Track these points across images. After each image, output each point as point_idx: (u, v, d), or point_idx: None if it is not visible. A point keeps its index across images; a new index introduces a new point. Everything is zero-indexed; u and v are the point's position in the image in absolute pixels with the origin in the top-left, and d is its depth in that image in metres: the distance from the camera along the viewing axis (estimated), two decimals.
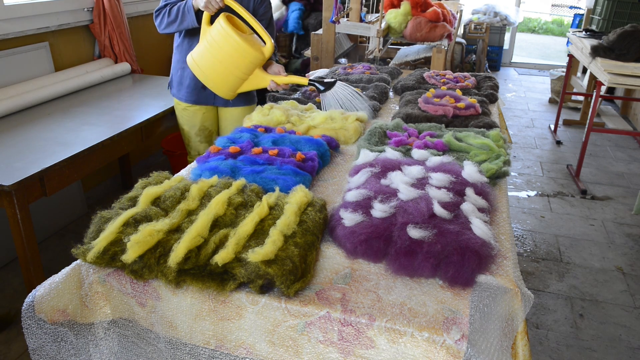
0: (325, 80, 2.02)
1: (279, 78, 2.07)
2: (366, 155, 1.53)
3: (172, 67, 2.44)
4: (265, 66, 2.15)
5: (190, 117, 2.49)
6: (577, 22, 6.29)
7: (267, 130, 1.81)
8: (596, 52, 3.64)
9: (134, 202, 1.29)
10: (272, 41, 2.00)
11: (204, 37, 1.99)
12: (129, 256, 1.07)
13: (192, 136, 2.54)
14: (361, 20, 3.77)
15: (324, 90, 2.01)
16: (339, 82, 2.01)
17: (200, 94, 2.41)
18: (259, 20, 2.27)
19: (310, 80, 2.04)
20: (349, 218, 1.21)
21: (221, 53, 1.94)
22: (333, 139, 1.76)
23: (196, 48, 2.05)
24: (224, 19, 1.93)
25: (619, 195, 3.65)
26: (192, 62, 2.04)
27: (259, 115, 1.97)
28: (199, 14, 2.09)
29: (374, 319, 0.99)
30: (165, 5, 2.19)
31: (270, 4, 2.42)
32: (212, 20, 2.01)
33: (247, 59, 1.96)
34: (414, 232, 1.14)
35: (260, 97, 2.65)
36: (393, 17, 3.36)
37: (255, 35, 2.07)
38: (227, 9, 2.03)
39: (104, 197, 3.43)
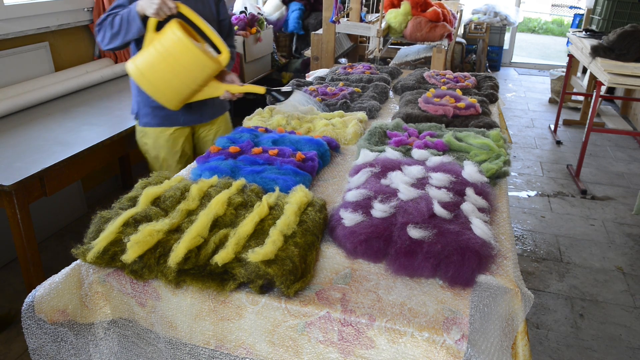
0: (283, 90, 1.96)
1: (233, 87, 1.94)
2: (366, 155, 1.53)
3: (134, 94, 2.15)
4: (218, 74, 2.00)
5: (169, 143, 2.19)
6: (577, 22, 6.29)
7: (268, 130, 1.81)
8: (596, 52, 3.64)
9: (134, 202, 1.29)
10: (228, 49, 1.88)
11: (150, 45, 1.79)
12: (129, 256, 1.07)
13: (172, 164, 2.24)
14: (361, 20, 3.77)
15: (283, 100, 1.97)
16: (297, 91, 1.97)
17: (184, 113, 2.17)
18: (220, 25, 2.20)
19: (268, 89, 1.95)
20: (349, 218, 1.21)
21: (176, 65, 1.77)
22: (333, 139, 1.76)
23: (140, 56, 1.83)
24: (178, 27, 1.75)
25: (619, 195, 3.65)
26: (137, 71, 1.82)
27: (259, 119, 1.97)
28: (145, 20, 1.84)
29: (374, 319, 0.99)
30: (107, 17, 1.92)
31: (225, 2, 2.26)
32: (159, 26, 1.81)
33: (205, 71, 1.82)
34: (414, 232, 1.14)
35: (261, 98, 2.63)
36: (393, 17, 3.36)
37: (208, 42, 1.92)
38: (178, 15, 1.84)
39: (104, 197, 3.43)
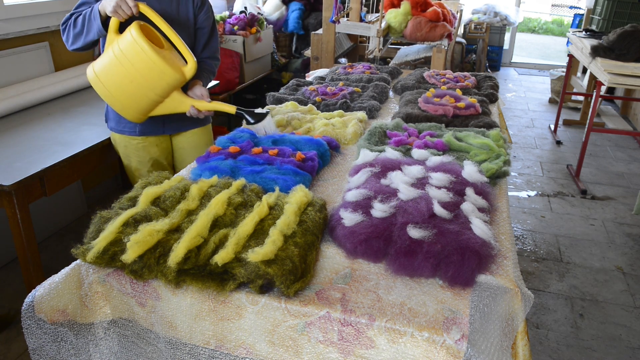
0: (256, 112, 1.79)
1: (200, 103, 1.79)
2: (366, 155, 1.53)
3: None
4: (187, 87, 1.88)
5: (138, 152, 2.08)
6: (577, 22, 6.29)
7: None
8: (596, 52, 3.64)
9: (133, 202, 1.29)
10: (195, 59, 1.73)
11: (109, 48, 1.67)
12: (129, 256, 1.07)
13: (144, 174, 2.12)
14: (361, 20, 3.77)
15: (253, 123, 1.78)
16: (269, 116, 1.80)
17: (146, 123, 2.00)
18: (199, 30, 2.02)
19: (238, 109, 1.79)
20: (349, 218, 1.21)
21: (132, 70, 1.63)
22: (333, 139, 1.76)
23: (99, 59, 1.71)
24: (136, 29, 1.62)
25: (619, 195, 3.65)
26: (94, 76, 1.70)
27: None
28: (108, 21, 1.72)
29: (374, 319, 0.99)
30: (71, 16, 1.81)
31: (211, 10, 2.07)
32: (122, 28, 1.68)
33: (164, 80, 1.67)
34: (414, 232, 1.14)
35: (261, 98, 2.61)
36: (393, 16, 3.36)
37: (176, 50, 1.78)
38: (142, 17, 1.70)
39: (104, 197, 3.43)
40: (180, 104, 1.78)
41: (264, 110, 1.81)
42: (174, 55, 1.73)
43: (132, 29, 1.62)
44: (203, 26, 2.03)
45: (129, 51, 1.61)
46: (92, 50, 2.83)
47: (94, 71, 1.70)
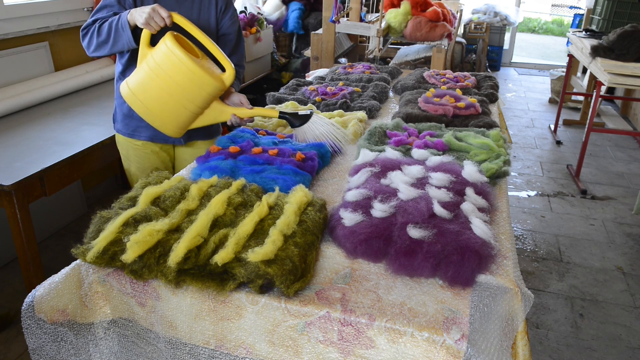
0: (300, 113, 1.69)
1: (241, 111, 1.71)
2: (366, 155, 1.53)
3: (116, 98, 1.98)
4: (224, 96, 1.81)
5: (139, 158, 2.02)
6: (577, 22, 6.29)
7: (268, 133, 1.81)
8: (596, 52, 3.64)
9: (133, 202, 1.29)
10: (233, 66, 1.64)
11: (143, 61, 1.60)
12: (129, 256, 1.07)
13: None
14: (361, 20, 3.77)
15: (299, 125, 1.68)
16: (315, 115, 1.70)
17: (155, 129, 1.87)
18: (223, 37, 1.95)
19: (281, 113, 1.70)
20: (349, 218, 1.21)
21: (170, 83, 1.56)
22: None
23: (133, 75, 1.64)
24: (171, 39, 1.54)
25: (619, 195, 3.65)
26: (129, 93, 1.63)
27: (259, 119, 1.96)
28: (137, 31, 1.65)
29: (374, 319, 0.99)
30: (94, 22, 1.73)
31: (236, 13, 1.98)
32: (154, 40, 1.61)
33: (205, 90, 1.60)
34: (414, 232, 1.14)
35: (261, 98, 2.59)
36: (393, 16, 3.36)
37: (211, 58, 1.71)
38: (174, 27, 1.62)
39: (104, 197, 3.43)
40: (220, 113, 1.71)
41: (307, 111, 1.69)
42: (210, 64, 1.67)
43: (167, 40, 1.54)
44: (228, 32, 1.94)
45: (166, 63, 1.54)
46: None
47: (129, 88, 1.63)
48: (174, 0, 1.82)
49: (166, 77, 1.55)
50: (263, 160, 1.52)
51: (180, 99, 1.59)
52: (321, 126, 1.69)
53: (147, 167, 2.03)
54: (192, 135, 2.00)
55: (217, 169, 1.46)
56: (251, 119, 1.78)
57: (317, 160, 1.57)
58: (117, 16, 1.68)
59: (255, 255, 1.03)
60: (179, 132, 1.73)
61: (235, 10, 1.98)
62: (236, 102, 1.79)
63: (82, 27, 1.76)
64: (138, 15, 1.59)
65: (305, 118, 1.68)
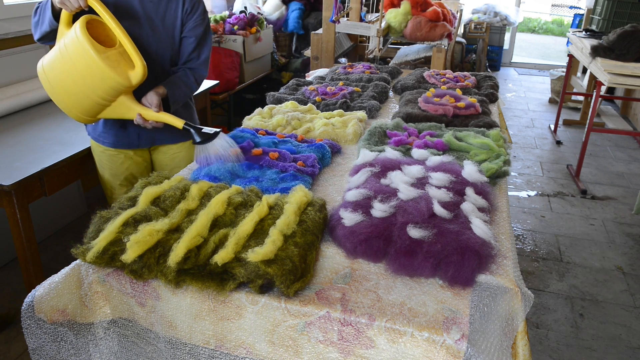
0: (204, 130, 1.57)
1: (147, 112, 1.65)
2: (366, 155, 1.53)
3: None
4: (143, 93, 1.72)
5: (112, 163, 1.95)
6: (577, 22, 6.29)
7: (268, 133, 1.80)
8: (596, 52, 3.64)
9: (133, 202, 1.28)
10: (144, 65, 1.58)
11: (57, 42, 1.58)
12: (129, 256, 1.07)
13: (115, 187, 2.00)
14: (361, 20, 3.77)
15: (200, 142, 1.56)
16: (221, 135, 1.58)
17: (121, 134, 1.88)
18: (184, 39, 1.86)
19: (186, 124, 1.60)
20: (349, 218, 1.21)
21: (72, 68, 1.53)
22: (335, 143, 1.76)
23: (48, 53, 1.62)
24: (81, 24, 1.50)
25: (619, 195, 3.65)
26: (42, 69, 1.61)
27: (259, 119, 1.96)
28: (59, 13, 1.62)
29: (374, 319, 0.99)
30: (39, 5, 1.72)
31: (205, 18, 1.89)
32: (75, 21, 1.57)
33: (105, 83, 1.55)
34: (414, 232, 1.14)
35: (261, 98, 2.58)
36: (393, 16, 3.36)
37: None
38: (92, 11, 1.58)
39: (103, 197, 3.42)
40: (127, 110, 1.65)
41: (211, 130, 1.58)
42: (124, 58, 1.59)
43: (77, 25, 1.51)
44: (189, 35, 1.86)
45: (71, 48, 1.52)
46: None
47: (42, 65, 1.61)
48: None
49: (70, 62, 1.53)
50: (264, 165, 1.52)
51: (82, 86, 1.56)
52: (222, 146, 1.55)
53: (121, 174, 1.97)
54: (156, 139, 1.95)
55: (216, 180, 1.44)
56: (158, 124, 1.69)
57: (317, 166, 1.56)
58: None
59: (255, 255, 1.03)
60: (85, 119, 1.69)
61: (205, 13, 1.90)
62: (148, 102, 1.69)
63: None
64: None
65: (210, 136, 1.56)
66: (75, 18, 1.58)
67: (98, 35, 1.56)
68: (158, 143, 1.97)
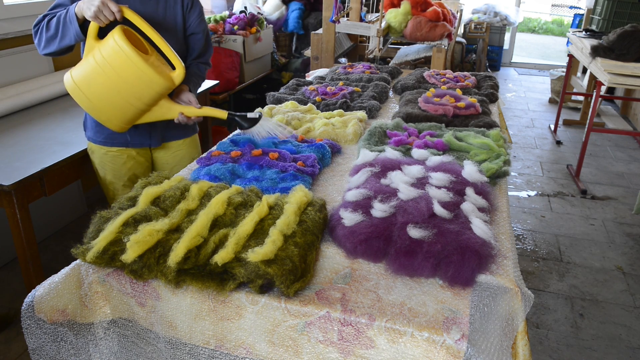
0: (249, 116, 1.68)
1: (189, 110, 1.70)
2: (366, 155, 1.53)
3: None
4: (174, 93, 1.78)
5: (115, 165, 1.95)
6: (577, 22, 6.29)
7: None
8: (596, 52, 3.64)
9: (133, 202, 1.28)
10: (183, 65, 1.63)
11: (90, 54, 1.57)
12: (129, 256, 1.07)
13: (118, 189, 1.99)
14: (361, 20, 3.77)
15: (248, 127, 1.68)
16: (264, 118, 1.72)
17: (132, 133, 1.89)
18: (192, 36, 1.91)
19: (230, 114, 1.69)
20: (349, 218, 1.21)
21: (117, 79, 1.53)
22: (335, 143, 1.76)
23: (78, 66, 1.60)
24: (119, 34, 1.51)
25: (619, 195, 3.65)
26: (73, 85, 1.58)
27: None
28: (85, 25, 1.60)
29: (374, 319, 0.99)
30: (44, 18, 1.67)
31: (202, 12, 1.92)
32: (103, 33, 1.57)
33: (152, 89, 1.57)
34: (414, 232, 1.14)
35: (261, 98, 2.58)
36: (393, 16, 3.36)
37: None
38: (125, 21, 1.59)
39: (103, 197, 3.42)
40: (168, 111, 1.69)
41: (256, 114, 1.70)
42: (160, 61, 1.64)
43: (115, 35, 1.51)
44: (196, 31, 1.90)
45: (113, 59, 1.51)
46: None
47: (73, 80, 1.58)
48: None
49: (113, 73, 1.52)
50: (264, 166, 1.52)
51: (126, 95, 1.56)
52: (269, 127, 1.70)
53: (124, 174, 1.96)
54: (166, 137, 1.98)
55: (217, 179, 1.44)
56: (199, 119, 1.76)
57: (317, 166, 1.56)
58: (66, 9, 1.62)
59: (255, 255, 1.03)
60: (124, 128, 1.71)
61: (202, 8, 1.93)
62: (185, 101, 1.75)
63: (34, 24, 1.69)
64: (86, 8, 1.53)
65: (254, 121, 1.68)
66: (101, 30, 1.57)
67: (132, 44, 1.55)
68: (167, 140, 1.99)
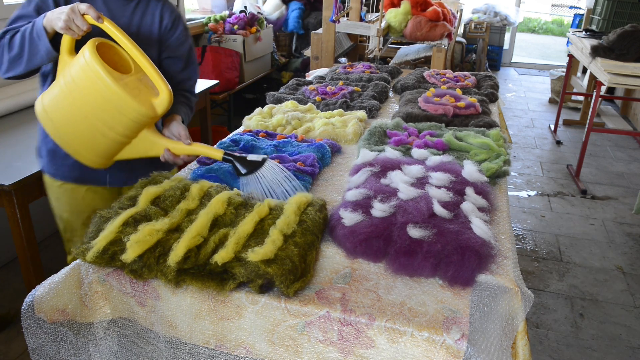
0: (250, 159, 1.35)
1: (177, 146, 1.38)
2: (366, 155, 1.53)
3: (39, 127, 1.53)
4: (164, 124, 1.50)
5: (72, 201, 1.63)
6: (577, 22, 6.30)
7: (269, 135, 1.80)
8: (596, 52, 3.64)
9: (133, 201, 1.28)
10: (169, 90, 1.33)
11: (60, 74, 1.30)
12: (129, 256, 1.07)
13: (77, 227, 1.67)
14: (361, 20, 3.77)
15: (246, 174, 1.34)
16: (269, 162, 1.36)
17: (86, 167, 1.45)
18: (167, 59, 1.61)
19: (226, 154, 1.36)
20: (349, 217, 1.21)
21: (83, 103, 1.26)
22: (335, 143, 1.76)
23: (49, 89, 1.32)
24: (91, 49, 1.24)
25: (619, 195, 3.65)
26: (42, 110, 1.32)
27: (259, 119, 1.96)
28: (58, 39, 1.32)
29: (373, 319, 0.99)
30: (4, 34, 1.36)
31: (187, 35, 1.63)
32: (78, 48, 1.29)
33: (126, 116, 1.28)
34: (414, 232, 1.14)
35: (261, 97, 2.56)
36: (393, 16, 3.36)
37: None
38: (102, 33, 1.30)
39: None
40: (152, 146, 1.38)
41: (259, 157, 1.35)
42: (143, 84, 1.34)
43: (86, 49, 1.24)
44: (174, 55, 1.61)
45: (81, 78, 1.24)
46: None
47: (42, 104, 1.32)
48: (107, 6, 1.50)
49: (80, 95, 1.26)
50: None
51: (95, 122, 1.29)
52: (273, 175, 1.34)
53: (85, 211, 1.63)
54: (129, 180, 1.63)
55: (217, 180, 1.44)
56: (190, 158, 1.44)
57: (317, 166, 1.56)
58: (31, 23, 1.32)
59: (255, 254, 1.03)
60: (99, 163, 1.41)
61: (187, 29, 1.64)
62: (175, 134, 1.44)
63: None
64: (55, 19, 1.26)
65: (256, 165, 1.34)
66: (78, 44, 1.31)
67: (109, 61, 1.29)
68: (131, 182, 1.48)
